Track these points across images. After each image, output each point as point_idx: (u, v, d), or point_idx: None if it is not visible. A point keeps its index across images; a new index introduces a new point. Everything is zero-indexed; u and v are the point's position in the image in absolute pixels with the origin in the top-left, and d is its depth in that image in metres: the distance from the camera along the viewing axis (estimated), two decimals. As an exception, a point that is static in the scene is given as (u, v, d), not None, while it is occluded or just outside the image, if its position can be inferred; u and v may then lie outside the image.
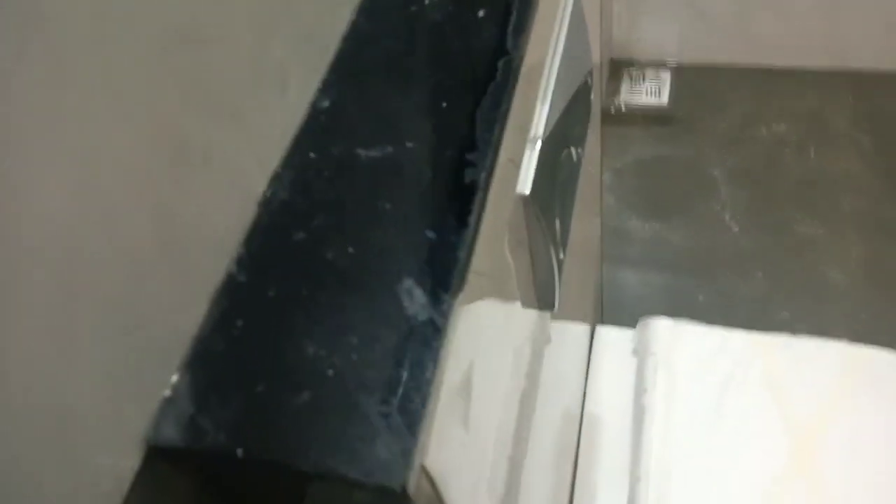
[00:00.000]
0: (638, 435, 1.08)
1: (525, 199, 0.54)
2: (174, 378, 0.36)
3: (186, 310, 0.38)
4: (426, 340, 0.37)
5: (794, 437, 1.04)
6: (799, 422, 1.05)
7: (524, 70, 0.48)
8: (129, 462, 0.35)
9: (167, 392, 0.37)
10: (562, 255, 0.62)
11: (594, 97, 0.77)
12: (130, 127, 0.33)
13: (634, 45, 1.85)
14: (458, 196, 0.41)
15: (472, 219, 0.40)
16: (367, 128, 0.46)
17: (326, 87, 0.48)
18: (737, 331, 1.12)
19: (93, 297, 0.31)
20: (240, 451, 0.35)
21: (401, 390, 0.35)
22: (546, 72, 0.59)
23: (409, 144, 0.44)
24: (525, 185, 0.54)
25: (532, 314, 0.69)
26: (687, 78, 1.84)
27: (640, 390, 1.12)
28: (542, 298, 0.65)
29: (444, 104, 0.46)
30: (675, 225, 1.68)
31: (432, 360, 0.36)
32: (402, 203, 0.42)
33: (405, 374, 0.36)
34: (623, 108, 1.79)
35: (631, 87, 1.82)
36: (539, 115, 0.56)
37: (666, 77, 1.82)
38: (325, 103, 0.47)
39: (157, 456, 0.35)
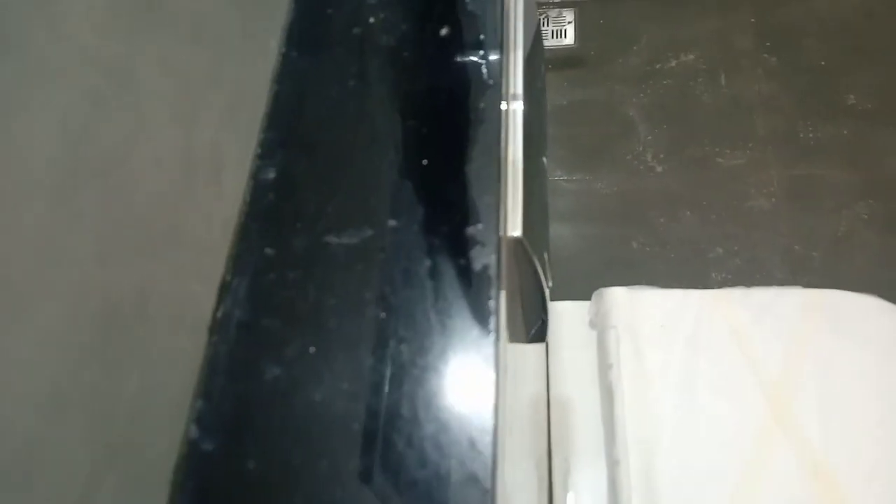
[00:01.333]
0: (609, 415, 1.03)
1: (517, 241, 0.46)
2: None
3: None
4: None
5: (766, 389, 1.03)
6: (769, 373, 1.04)
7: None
8: None
9: None
10: (550, 283, 0.55)
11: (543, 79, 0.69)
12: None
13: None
14: (471, 291, 0.32)
15: (493, 324, 0.31)
16: (331, 204, 0.35)
17: (267, 151, 0.37)
18: (693, 290, 1.09)
19: None
20: None
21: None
22: (511, 72, 0.49)
23: (391, 223, 0.34)
24: (515, 225, 0.45)
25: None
26: (590, 15, 1.77)
27: (604, 366, 1.07)
28: (532, 333, 0.57)
29: (425, 161, 0.36)
30: (601, 174, 1.63)
31: None
32: (400, 310, 0.33)
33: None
34: (530, 56, 1.71)
35: None
36: (514, 137, 0.47)
37: (570, 16, 1.75)
38: (271, 174, 0.36)
39: None
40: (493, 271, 0.32)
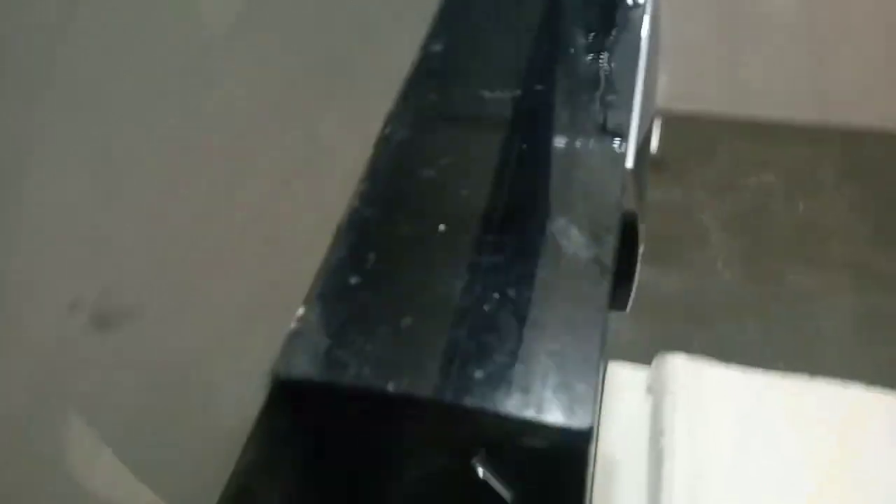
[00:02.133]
0: (656, 479, 1.02)
1: (628, 174, 0.51)
2: (300, 311, 0.31)
3: (310, 242, 0.33)
4: (593, 278, 0.32)
5: (816, 479, 1.00)
6: (821, 464, 1.02)
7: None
8: (254, 397, 0.29)
9: (293, 325, 0.31)
10: (642, 248, 0.59)
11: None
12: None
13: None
14: (605, 136, 0.37)
15: (626, 158, 0.36)
16: (488, 71, 0.42)
17: (436, 33, 0.44)
18: (756, 370, 1.09)
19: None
20: (391, 386, 0.29)
21: (573, 329, 0.30)
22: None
23: (537, 87, 0.40)
24: (628, 157, 0.50)
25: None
26: (675, 125, 1.86)
27: (656, 431, 1.07)
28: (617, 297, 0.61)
29: (571, 50, 0.42)
30: (668, 270, 1.66)
31: (601, 297, 0.31)
32: (541, 144, 0.38)
33: (575, 312, 0.31)
34: (615, 154, 1.79)
35: None
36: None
37: (655, 125, 1.84)
38: (438, 47, 0.43)
39: (285, 390, 0.29)
40: (626, 124, 0.37)
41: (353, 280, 0.32)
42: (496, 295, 0.31)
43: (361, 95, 0.37)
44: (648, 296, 1.61)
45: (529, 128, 0.39)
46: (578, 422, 0.28)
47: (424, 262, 0.33)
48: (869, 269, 1.61)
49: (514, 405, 0.28)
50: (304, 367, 0.30)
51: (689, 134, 1.86)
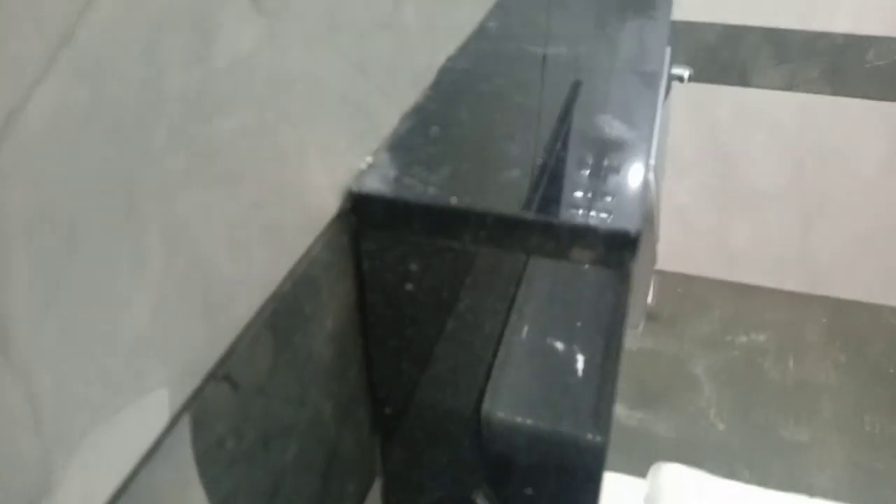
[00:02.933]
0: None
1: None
2: (373, 155, 0.36)
3: (384, 110, 0.38)
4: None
5: None
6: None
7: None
8: (330, 203, 0.33)
9: (368, 159, 0.36)
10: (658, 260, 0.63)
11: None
12: None
13: (623, 248, 1.97)
14: (643, 83, 0.44)
15: (657, 101, 0.43)
16: (537, 37, 0.49)
17: (491, 16, 0.52)
18: (753, 486, 1.08)
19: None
20: (454, 200, 0.33)
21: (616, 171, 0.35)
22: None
23: (581, 48, 0.48)
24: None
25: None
26: (670, 282, 1.94)
27: (653, 537, 1.04)
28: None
29: (606, 28, 0.50)
30: (661, 416, 1.67)
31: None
32: (590, 79, 0.44)
33: (614, 159, 0.36)
34: (611, 302, 1.86)
35: None
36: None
37: (653, 279, 1.93)
38: (492, 24, 0.51)
39: (358, 202, 0.34)
40: (657, 72, 0.44)
41: (419, 140, 0.37)
42: (545, 154, 0.36)
43: (433, 39, 0.44)
44: (641, 439, 1.61)
45: (574, 72, 0.45)
46: (626, 224, 0.32)
47: (482, 133, 0.39)
48: (858, 427, 1.62)
49: (564, 215, 0.32)
50: (375, 186, 0.34)
51: (684, 291, 1.94)
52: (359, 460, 0.43)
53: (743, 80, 1.77)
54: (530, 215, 0.33)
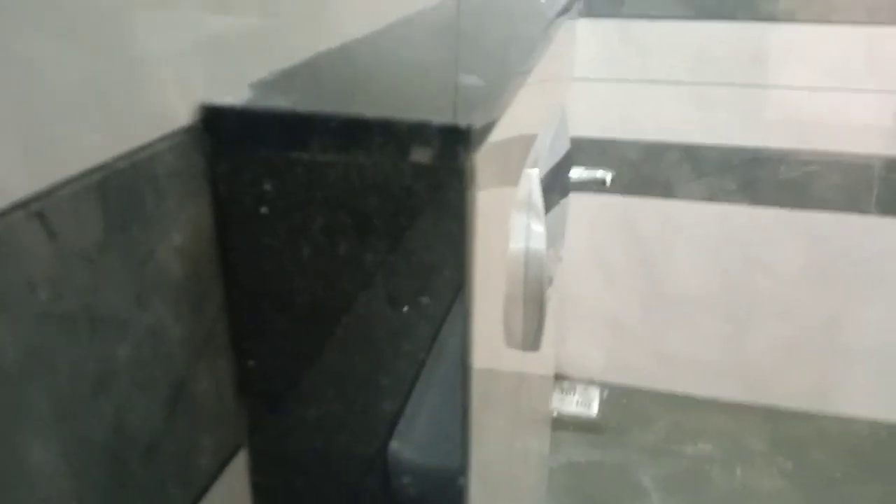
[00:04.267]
0: None
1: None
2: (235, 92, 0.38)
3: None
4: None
5: None
6: None
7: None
8: (181, 112, 0.35)
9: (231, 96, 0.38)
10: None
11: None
12: None
13: (564, 361, 1.97)
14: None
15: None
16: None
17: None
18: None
19: None
20: (301, 107, 0.35)
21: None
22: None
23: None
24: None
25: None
26: (615, 394, 1.94)
27: None
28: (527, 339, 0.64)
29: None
30: (609, 528, 1.61)
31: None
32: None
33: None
34: (555, 414, 1.84)
35: (562, 398, 1.89)
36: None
37: (594, 393, 1.92)
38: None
39: (210, 116, 0.35)
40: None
41: (285, 83, 0.40)
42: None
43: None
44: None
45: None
46: (460, 121, 0.34)
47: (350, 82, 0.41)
48: (810, 533, 1.58)
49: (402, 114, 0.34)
50: (228, 101, 0.36)
51: (628, 402, 1.93)
52: (218, 417, 0.41)
53: (667, 193, 1.86)
54: (372, 114, 0.35)
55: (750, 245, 1.84)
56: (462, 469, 0.41)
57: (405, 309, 0.38)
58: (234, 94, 0.37)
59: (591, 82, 1.81)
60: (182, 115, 0.35)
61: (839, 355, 1.88)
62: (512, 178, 0.55)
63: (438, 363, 0.40)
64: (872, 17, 1.63)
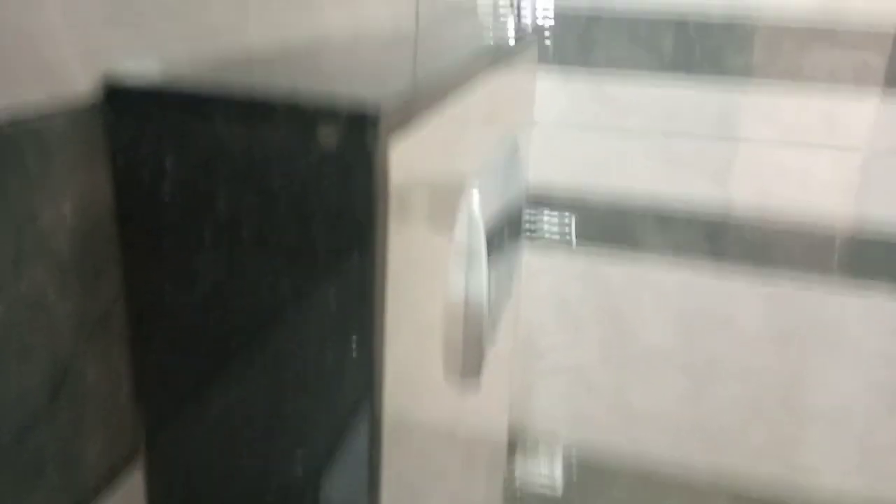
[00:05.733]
0: None
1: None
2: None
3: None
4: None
5: None
6: None
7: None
8: (81, 81, 0.34)
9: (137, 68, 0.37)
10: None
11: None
12: None
13: (528, 413, 1.94)
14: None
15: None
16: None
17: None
18: None
19: None
20: (207, 85, 0.34)
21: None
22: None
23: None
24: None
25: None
26: (579, 452, 1.91)
27: None
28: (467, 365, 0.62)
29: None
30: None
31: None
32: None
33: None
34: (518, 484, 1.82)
35: (524, 462, 1.88)
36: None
37: (557, 464, 1.90)
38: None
39: (112, 89, 0.34)
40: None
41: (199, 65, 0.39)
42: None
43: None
44: None
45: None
46: (367, 107, 0.33)
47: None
48: None
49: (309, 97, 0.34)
50: (133, 76, 0.35)
51: (592, 479, 1.90)
52: (110, 412, 0.39)
53: (633, 246, 1.87)
54: (279, 94, 0.34)
55: (713, 301, 1.84)
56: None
57: (309, 304, 0.36)
58: (140, 68, 0.36)
59: (558, 128, 1.83)
60: (81, 81, 0.34)
61: (799, 416, 1.87)
62: (449, 201, 0.55)
63: (345, 373, 0.38)
64: (834, 77, 1.67)
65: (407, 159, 0.38)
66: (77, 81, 0.34)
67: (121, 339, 0.39)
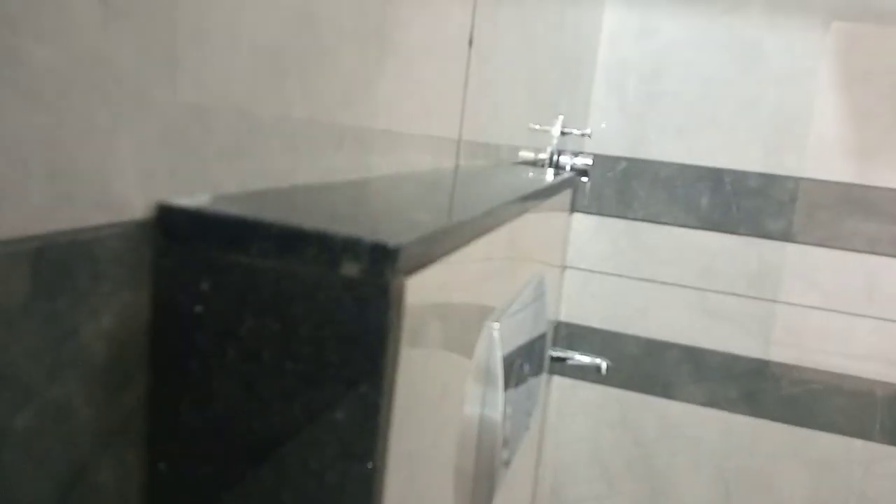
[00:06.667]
0: None
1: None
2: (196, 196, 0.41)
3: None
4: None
5: None
6: None
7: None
8: (136, 203, 0.38)
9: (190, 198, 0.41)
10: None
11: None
12: None
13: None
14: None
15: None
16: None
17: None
18: None
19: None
20: (249, 214, 0.38)
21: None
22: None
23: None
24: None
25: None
26: None
27: None
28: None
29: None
30: None
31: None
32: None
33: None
34: None
35: None
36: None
37: None
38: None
39: (164, 214, 0.38)
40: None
41: (251, 198, 0.43)
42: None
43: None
44: None
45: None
46: (388, 239, 0.36)
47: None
48: None
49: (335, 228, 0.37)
50: (185, 203, 0.39)
51: None
52: (116, 518, 0.40)
53: (666, 393, 1.84)
54: (309, 225, 0.37)
55: (753, 461, 1.78)
56: None
57: (318, 428, 0.38)
58: (192, 200, 0.40)
59: (597, 274, 1.86)
60: (137, 207, 0.38)
61: None
62: (469, 337, 0.56)
63: (346, 496, 0.39)
64: (872, 248, 1.68)
65: (426, 293, 0.40)
66: (134, 209, 0.38)
67: (137, 448, 0.40)
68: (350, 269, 0.36)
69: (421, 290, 0.40)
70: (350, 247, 0.36)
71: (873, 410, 1.69)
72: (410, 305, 0.38)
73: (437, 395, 0.48)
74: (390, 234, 0.37)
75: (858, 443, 1.71)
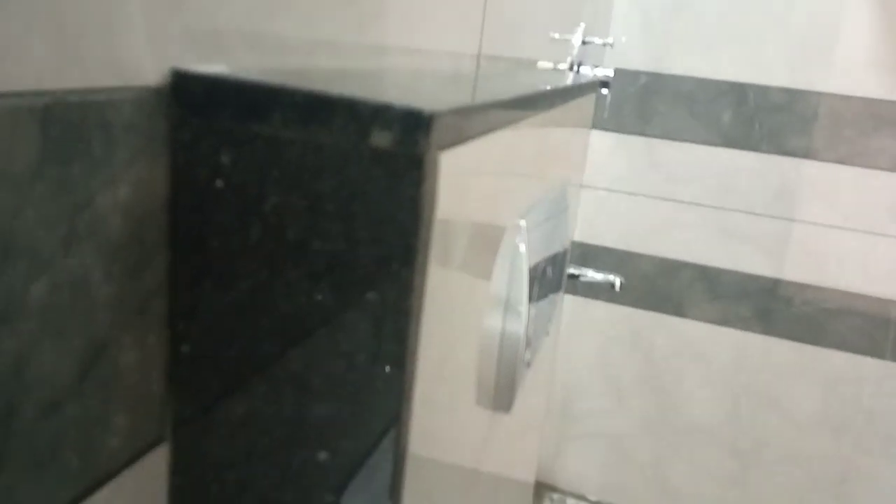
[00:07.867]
0: None
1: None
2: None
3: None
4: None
5: None
6: None
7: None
8: (149, 69, 0.35)
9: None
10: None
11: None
12: None
13: (558, 474, 1.89)
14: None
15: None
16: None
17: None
18: None
19: None
20: (269, 79, 0.35)
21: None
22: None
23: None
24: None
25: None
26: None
27: None
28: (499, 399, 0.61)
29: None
30: None
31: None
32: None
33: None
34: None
35: None
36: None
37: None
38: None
39: (179, 81, 0.35)
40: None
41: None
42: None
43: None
44: None
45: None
46: (422, 105, 0.33)
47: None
48: None
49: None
50: (199, 68, 0.36)
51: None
52: (139, 398, 0.39)
53: (679, 312, 1.83)
54: (337, 93, 0.34)
55: (763, 378, 1.78)
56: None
57: (345, 312, 0.36)
58: (208, 69, 0.38)
59: (614, 193, 1.83)
60: (150, 72, 0.35)
61: (848, 508, 1.78)
62: (494, 231, 0.54)
63: (375, 385, 0.37)
64: (897, 164, 1.64)
65: (459, 172, 0.38)
66: (147, 73, 0.35)
67: (158, 328, 0.39)
68: (381, 139, 0.34)
69: (454, 167, 0.38)
70: (381, 115, 0.34)
71: (886, 330, 1.69)
72: (444, 181, 0.36)
73: (466, 285, 0.47)
74: (423, 104, 0.34)
75: (869, 361, 1.71)
